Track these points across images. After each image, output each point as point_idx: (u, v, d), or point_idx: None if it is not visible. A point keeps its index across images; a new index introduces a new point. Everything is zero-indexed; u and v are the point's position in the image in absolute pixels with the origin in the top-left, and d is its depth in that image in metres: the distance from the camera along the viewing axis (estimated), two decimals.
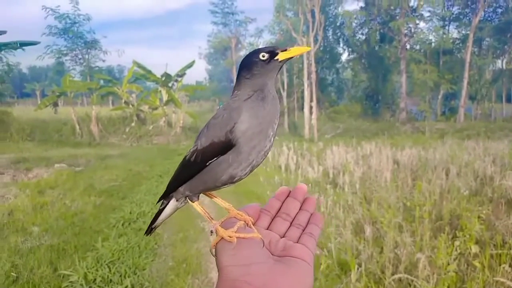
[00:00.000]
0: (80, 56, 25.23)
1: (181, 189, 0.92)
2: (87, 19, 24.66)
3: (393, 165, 8.83)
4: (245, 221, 0.80)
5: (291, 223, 0.82)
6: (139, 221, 5.96)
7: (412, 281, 3.65)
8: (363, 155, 10.90)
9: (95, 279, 4.02)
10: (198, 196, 0.93)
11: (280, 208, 0.85)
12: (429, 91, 27.61)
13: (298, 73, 28.72)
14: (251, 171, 0.86)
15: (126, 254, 4.67)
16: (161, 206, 0.99)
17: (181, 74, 23.47)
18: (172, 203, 0.97)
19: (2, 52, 20.65)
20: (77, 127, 20.64)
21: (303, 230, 0.80)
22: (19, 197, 7.29)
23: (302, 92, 25.00)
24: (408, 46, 27.95)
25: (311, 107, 22.48)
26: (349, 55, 32.41)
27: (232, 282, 0.65)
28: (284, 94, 28.05)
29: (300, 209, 0.84)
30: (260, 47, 0.91)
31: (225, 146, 0.83)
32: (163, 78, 22.48)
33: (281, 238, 0.78)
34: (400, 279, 3.78)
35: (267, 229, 0.80)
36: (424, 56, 27.09)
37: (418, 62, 26.83)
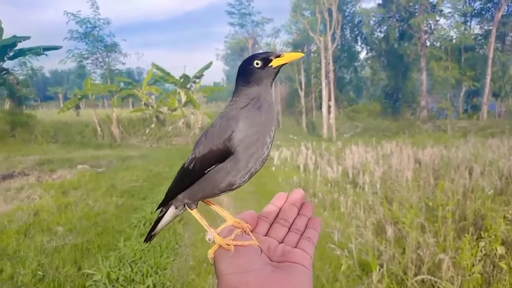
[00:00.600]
0: (100, 60, 25.69)
1: (180, 196, 0.93)
2: (107, 23, 25.09)
3: (414, 165, 8.68)
4: (242, 229, 0.80)
5: (289, 229, 0.82)
6: None
7: (436, 282, 3.59)
8: (383, 155, 10.75)
9: (117, 278, 4.09)
10: (197, 203, 0.93)
11: (278, 214, 0.85)
12: (450, 89, 27.05)
13: (315, 72, 28.56)
14: (249, 178, 0.87)
15: (147, 253, 4.74)
16: (160, 213, 1.00)
17: (199, 75, 23.65)
18: (171, 211, 0.98)
19: (26, 57, 21.23)
20: (99, 129, 21.04)
21: (302, 235, 0.80)
22: (44, 197, 7.48)
23: (320, 91, 24.86)
24: (428, 43, 27.46)
25: (329, 106, 22.32)
26: (367, 53, 32.09)
27: None
28: (302, 93, 27.95)
29: (298, 214, 0.85)
30: (259, 52, 0.92)
31: (223, 154, 0.83)
32: (182, 80, 22.70)
33: (280, 244, 0.78)
34: (423, 281, 3.71)
35: (266, 235, 0.81)
36: (445, 53, 26.53)
37: (439, 59, 26.29)
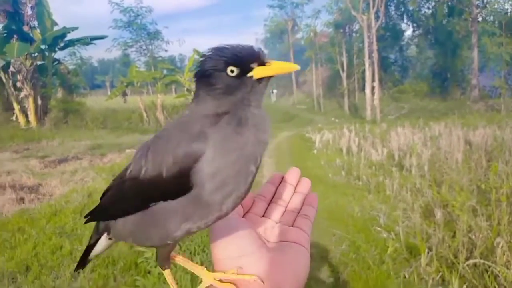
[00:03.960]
0: (144, 47, 26.43)
1: (118, 226, 0.69)
2: (149, 11, 25.69)
3: (465, 146, 8.28)
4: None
5: (286, 208, 0.78)
6: None
7: (489, 267, 3.44)
8: (431, 136, 10.34)
9: None
10: (169, 262, 0.73)
11: (274, 194, 0.80)
12: (504, 66, 25.32)
13: (358, 53, 27.72)
14: (218, 220, 0.64)
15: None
16: (90, 239, 0.78)
17: None
18: (104, 241, 0.76)
19: (75, 47, 22.22)
20: (145, 115, 21.76)
21: (298, 213, 0.76)
22: (96, 180, 7.89)
23: (363, 72, 24.16)
24: (480, 18, 25.74)
25: (373, 88, 21.69)
26: (414, 31, 30.66)
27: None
28: (344, 75, 27.30)
29: (294, 192, 0.80)
30: (237, 46, 0.62)
31: (178, 190, 0.59)
32: None
33: (277, 224, 0.74)
34: (475, 265, 3.58)
35: (263, 216, 0.76)
36: (499, 28, 24.78)
37: (492, 35, 24.61)
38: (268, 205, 0.78)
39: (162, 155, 0.60)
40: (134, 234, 0.67)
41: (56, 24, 20.00)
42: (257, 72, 0.61)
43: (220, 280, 0.66)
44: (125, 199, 0.67)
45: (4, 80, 18.26)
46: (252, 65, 0.61)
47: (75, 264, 0.80)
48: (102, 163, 10.03)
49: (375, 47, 22.42)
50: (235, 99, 0.61)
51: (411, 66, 33.54)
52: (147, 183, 0.62)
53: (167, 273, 0.73)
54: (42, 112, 18.94)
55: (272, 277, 0.64)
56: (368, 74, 22.04)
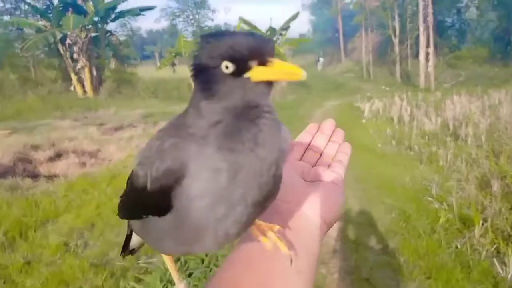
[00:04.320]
0: (191, 17, 26.60)
1: (134, 225, 0.70)
2: None
3: None
4: None
5: (321, 154, 0.84)
6: None
7: None
8: (491, 105, 9.76)
9: None
10: None
11: (310, 142, 0.87)
12: None
13: (411, 17, 26.13)
14: (228, 242, 0.56)
15: None
16: (127, 230, 0.79)
17: (286, 27, 23.21)
18: (136, 235, 0.75)
19: (126, 18, 22.75)
20: (192, 84, 22.18)
21: (333, 159, 0.83)
22: None
23: (417, 37, 22.87)
24: None
25: (427, 54, 20.54)
26: None
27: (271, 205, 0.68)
28: (396, 40, 25.98)
29: (329, 141, 0.87)
30: (235, 33, 0.50)
31: (161, 208, 0.54)
32: (268, 33, 22.53)
33: (312, 167, 0.80)
34: None
35: (300, 160, 0.82)
36: None
37: None
38: (305, 151, 0.84)
39: (148, 167, 0.54)
40: (144, 238, 0.68)
41: None
42: (254, 73, 0.50)
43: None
44: (126, 203, 0.67)
45: (62, 52, 19.23)
46: (251, 63, 0.50)
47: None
48: (155, 130, 10.45)
49: (430, 10, 21.03)
50: (229, 104, 0.51)
51: (470, 30, 31.16)
52: (136, 191, 0.58)
53: (167, 258, 0.73)
54: (97, 82, 19.85)
55: (305, 207, 0.69)
56: (422, 40, 20.85)
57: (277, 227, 0.61)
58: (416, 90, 17.24)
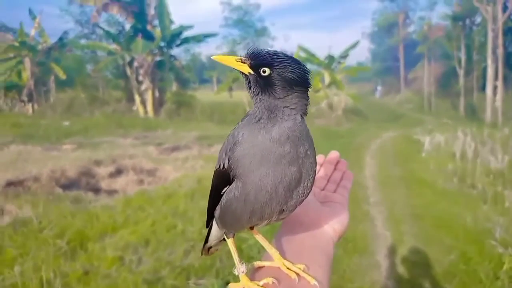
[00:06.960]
0: (251, 44, 27.38)
1: (216, 212, 0.83)
2: (256, 8, 26.52)
3: None
4: (289, 274, 0.76)
5: (328, 181, 1.06)
6: None
7: None
8: None
9: None
10: (233, 233, 0.84)
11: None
12: None
13: (479, 48, 25.00)
14: (287, 210, 0.76)
15: None
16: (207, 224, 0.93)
17: (344, 55, 23.20)
18: (215, 228, 0.90)
19: (189, 44, 23.95)
20: (247, 109, 22.63)
21: (338, 184, 1.04)
22: (204, 168, 8.50)
23: (484, 69, 21.78)
24: None
25: (495, 87, 19.44)
26: None
27: (295, 217, 0.88)
28: (461, 72, 24.89)
29: (334, 169, 1.09)
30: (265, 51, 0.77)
31: (227, 173, 0.74)
32: (327, 61, 22.61)
33: (322, 191, 1.02)
34: None
35: None
36: None
37: None
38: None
39: (221, 151, 0.77)
40: (219, 218, 0.82)
41: (172, 22, 21.83)
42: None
43: (288, 268, 0.79)
44: (212, 189, 0.83)
45: (128, 74, 20.58)
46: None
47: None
48: (210, 152, 10.74)
49: (500, 41, 20.01)
50: (275, 104, 0.76)
51: None
52: (218, 172, 0.78)
53: (229, 242, 0.85)
54: (158, 104, 20.92)
55: (321, 221, 0.90)
56: (490, 72, 19.80)
57: (303, 266, 0.78)
58: (481, 125, 16.27)
